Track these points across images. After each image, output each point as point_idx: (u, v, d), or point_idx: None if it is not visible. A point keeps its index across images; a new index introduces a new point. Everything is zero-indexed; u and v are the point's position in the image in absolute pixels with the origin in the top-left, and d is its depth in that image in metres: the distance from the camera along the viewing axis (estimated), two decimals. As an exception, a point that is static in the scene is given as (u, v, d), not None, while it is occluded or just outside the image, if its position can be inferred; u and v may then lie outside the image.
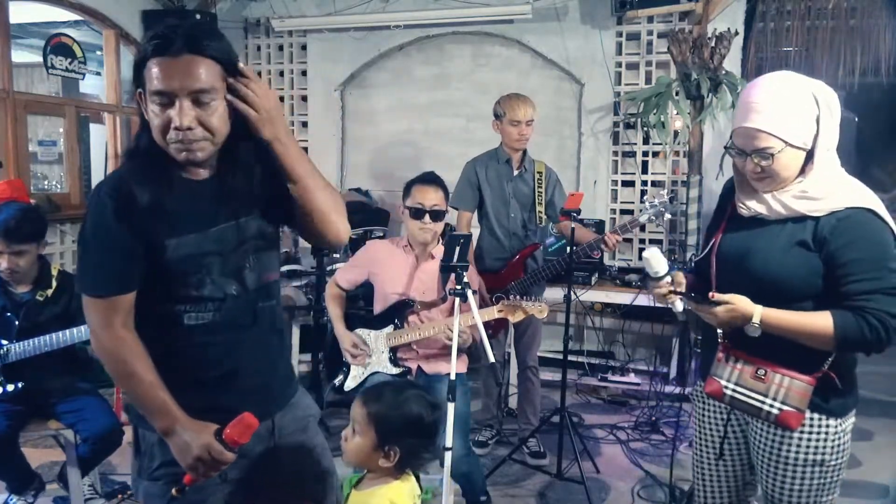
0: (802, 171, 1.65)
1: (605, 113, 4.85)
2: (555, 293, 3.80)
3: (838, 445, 1.69)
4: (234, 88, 1.43)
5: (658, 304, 1.88)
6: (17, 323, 2.68)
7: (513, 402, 4.06)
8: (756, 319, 1.61)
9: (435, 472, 3.12)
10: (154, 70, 1.37)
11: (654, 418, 4.01)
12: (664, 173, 4.81)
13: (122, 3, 4.94)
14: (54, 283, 2.78)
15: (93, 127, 6.61)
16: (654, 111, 4.23)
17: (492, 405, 3.88)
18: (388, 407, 1.53)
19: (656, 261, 1.75)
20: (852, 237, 1.59)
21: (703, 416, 1.93)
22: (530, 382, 3.66)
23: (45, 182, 6.77)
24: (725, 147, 1.72)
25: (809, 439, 1.68)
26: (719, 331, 1.77)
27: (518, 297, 2.72)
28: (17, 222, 2.61)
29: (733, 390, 1.71)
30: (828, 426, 1.68)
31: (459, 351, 2.35)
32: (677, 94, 4.18)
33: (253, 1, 5.45)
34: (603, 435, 3.89)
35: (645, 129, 4.68)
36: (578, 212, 3.21)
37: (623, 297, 4.21)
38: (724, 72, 4.13)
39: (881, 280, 1.57)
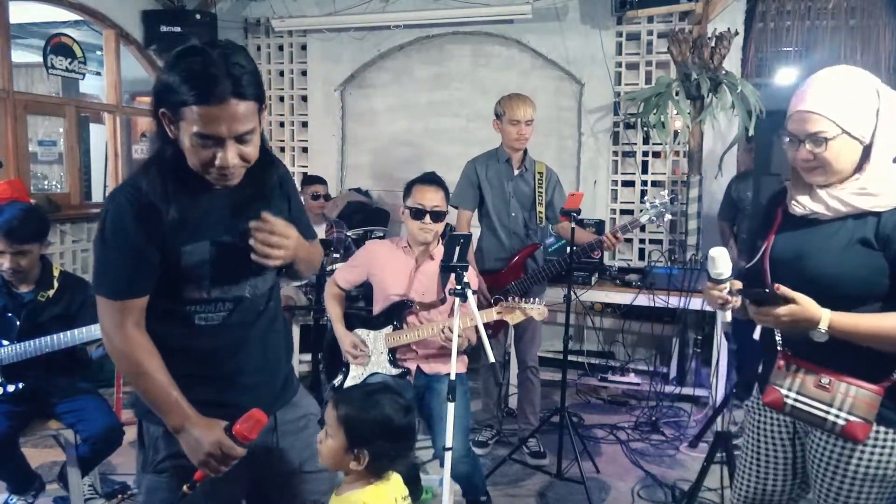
0: (859, 169, 1.57)
1: (605, 113, 4.85)
2: (555, 293, 3.81)
3: None
4: (260, 245, 1.46)
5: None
6: (18, 323, 2.68)
7: (513, 402, 4.06)
8: (824, 325, 1.51)
9: (435, 472, 3.12)
10: (196, 114, 1.37)
11: (654, 418, 4.01)
12: (664, 173, 4.81)
13: (122, 3, 4.95)
14: (56, 284, 2.78)
15: (93, 127, 6.62)
16: (654, 111, 4.22)
17: (492, 405, 3.88)
18: (357, 409, 1.52)
19: (723, 261, 1.61)
20: None
21: (763, 429, 1.81)
22: (530, 382, 3.66)
23: (45, 182, 6.78)
24: (778, 134, 1.64)
25: (873, 453, 1.58)
26: (778, 338, 1.67)
27: (516, 298, 2.72)
28: (19, 222, 2.61)
29: (795, 400, 1.62)
30: (895, 440, 1.57)
31: (459, 352, 2.35)
32: (677, 94, 4.18)
33: (253, 1, 5.46)
34: (603, 435, 3.89)
35: (645, 129, 4.68)
36: (578, 212, 3.21)
37: (623, 297, 4.20)
38: (724, 72, 4.13)
39: None
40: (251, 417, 1.47)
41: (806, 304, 1.52)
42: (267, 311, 1.65)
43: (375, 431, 1.50)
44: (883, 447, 1.58)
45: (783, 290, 1.52)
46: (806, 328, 1.53)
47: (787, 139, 1.62)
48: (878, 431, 1.57)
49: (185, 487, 1.47)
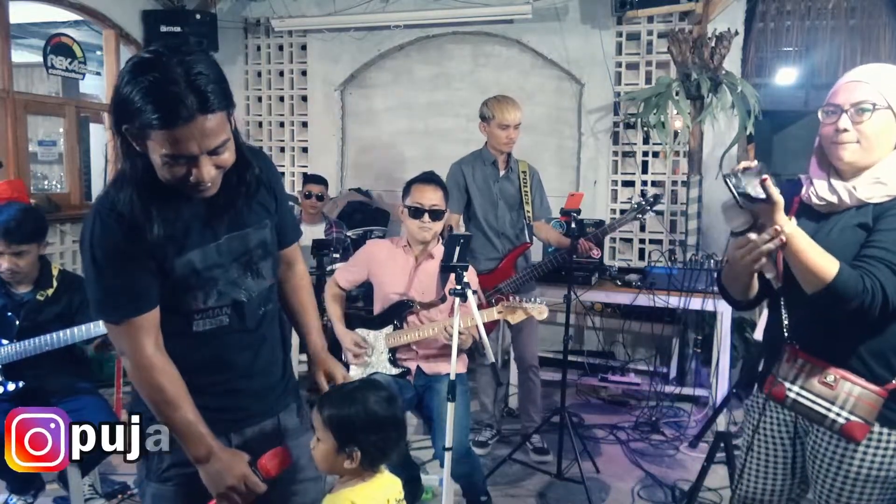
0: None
1: (605, 113, 4.85)
2: (555, 293, 3.80)
3: None
4: None
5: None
6: (17, 323, 2.68)
7: (513, 401, 4.06)
8: (789, 228, 1.48)
9: (435, 472, 3.12)
10: (163, 137, 1.27)
11: (654, 418, 4.00)
12: (664, 173, 4.81)
13: (122, 3, 4.95)
14: (55, 283, 2.78)
15: (93, 127, 6.60)
16: (654, 111, 4.22)
17: (492, 405, 3.88)
18: (339, 408, 1.51)
19: (734, 212, 1.59)
20: None
21: (763, 428, 1.80)
22: (531, 383, 3.65)
23: (45, 182, 6.77)
24: (820, 109, 1.61)
25: (875, 454, 1.57)
26: (786, 332, 1.67)
27: (517, 298, 2.72)
28: (17, 223, 2.61)
29: (797, 394, 1.61)
30: None
31: (459, 351, 2.35)
32: (677, 94, 4.18)
33: (253, 1, 5.46)
34: (603, 435, 3.89)
35: (645, 129, 4.68)
36: (578, 212, 3.21)
37: (623, 297, 4.19)
38: (724, 72, 4.13)
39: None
40: (277, 455, 1.49)
41: (780, 209, 1.49)
42: (266, 314, 1.62)
43: (361, 426, 1.50)
44: (886, 448, 1.57)
45: (770, 187, 1.46)
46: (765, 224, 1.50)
47: (827, 111, 1.59)
48: (880, 432, 1.57)
49: None
